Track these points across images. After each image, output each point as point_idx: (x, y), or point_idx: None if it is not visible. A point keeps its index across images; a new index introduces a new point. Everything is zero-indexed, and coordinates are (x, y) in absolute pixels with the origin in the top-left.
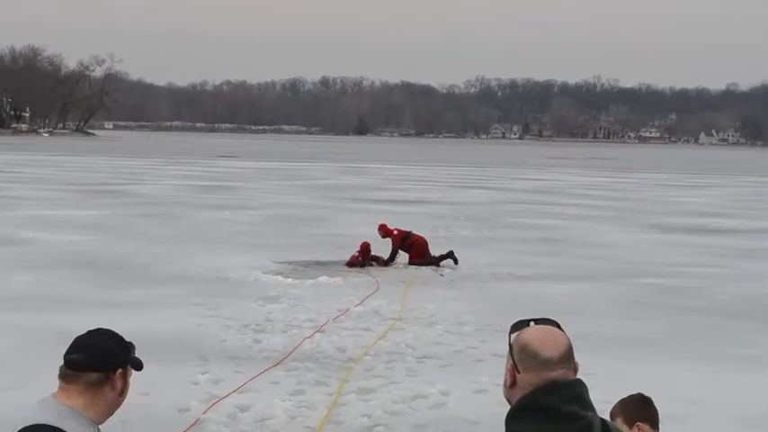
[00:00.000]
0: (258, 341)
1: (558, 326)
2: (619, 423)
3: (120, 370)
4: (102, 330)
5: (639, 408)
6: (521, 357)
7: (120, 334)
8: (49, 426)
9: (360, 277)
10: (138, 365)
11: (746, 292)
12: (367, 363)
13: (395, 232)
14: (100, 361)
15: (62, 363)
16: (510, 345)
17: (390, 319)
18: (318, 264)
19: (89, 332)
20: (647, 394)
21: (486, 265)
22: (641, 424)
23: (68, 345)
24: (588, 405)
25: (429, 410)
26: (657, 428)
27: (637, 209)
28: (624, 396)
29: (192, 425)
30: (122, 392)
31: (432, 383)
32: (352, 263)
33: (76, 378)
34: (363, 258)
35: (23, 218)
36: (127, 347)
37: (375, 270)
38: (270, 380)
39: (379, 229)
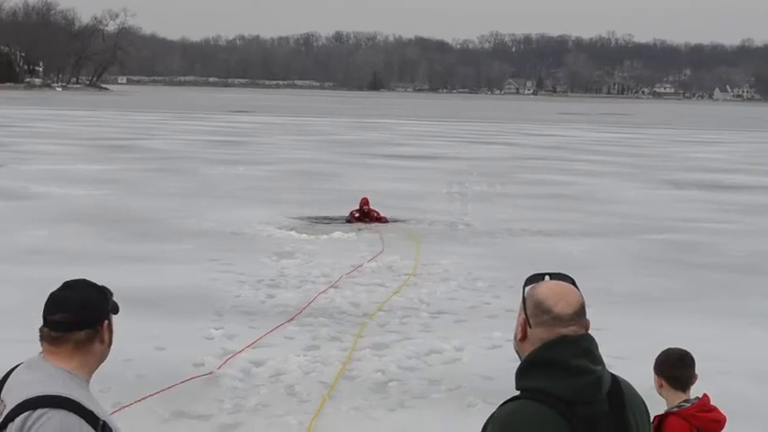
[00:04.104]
0: (272, 296)
1: (573, 282)
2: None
3: (105, 321)
4: (79, 282)
5: (667, 362)
6: (534, 312)
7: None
8: (62, 396)
9: (374, 233)
10: (117, 309)
11: (760, 248)
12: (381, 318)
13: (373, 213)
14: (88, 317)
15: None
16: (524, 298)
17: (404, 274)
18: (332, 219)
19: (67, 287)
20: (690, 353)
21: (500, 221)
22: (659, 378)
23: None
24: (598, 359)
25: (443, 366)
26: (681, 389)
27: (650, 165)
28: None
29: (207, 379)
30: (110, 343)
31: (446, 339)
32: (350, 219)
33: (64, 339)
34: (361, 215)
35: (36, 172)
36: (106, 295)
37: (384, 227)
38: (284, 335)
39: (363, 203)
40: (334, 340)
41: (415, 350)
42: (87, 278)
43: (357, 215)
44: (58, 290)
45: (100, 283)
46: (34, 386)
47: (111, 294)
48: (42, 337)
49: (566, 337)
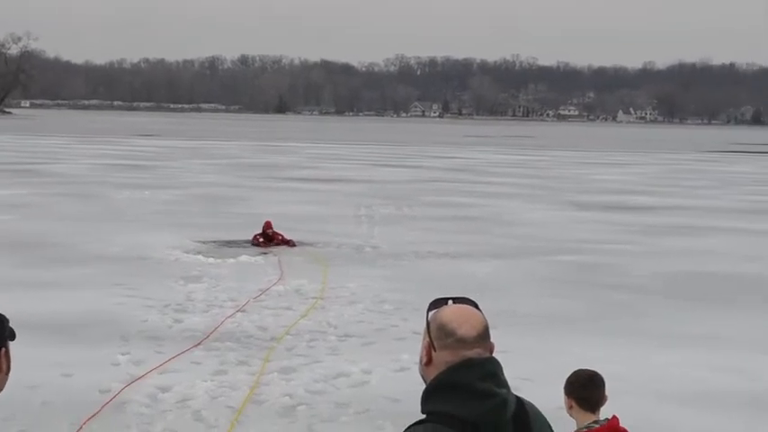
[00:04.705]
0: (179, 321)
1: (476, 305)
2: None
3: (3, 349)
4: None
5: (577, 383)
6: (438, 335)
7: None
8: None
9: (281, 256)
10: (14, 336)
11: (662, 269)
12: (289, 342)
13: (277, 236)
14: None
15: None
16: (427, 322)
17: (312, 297)
18: (239, 243)
19: None
20: (599, 374)
21: (406, 244)
22: (569, 399)
23: None
24: (502, 382)
25: (351, 389)
26: (591, 410)
27: (554, 186)
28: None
29: (113, 406)
30: (8, 371)
31: (354, 362)
32: (256, 243)
33: None
34: (266, 239)
35: None
36: (2, 322)
37: (291, 250)
38: (191, 360)
39: (267, 227)
40: (242, 364)
41: (323, 373)
42: (0, 306)
43: (261, 239)
44: None
45: None
46: None
47: (8, 321)
48: None
49: (470, 360)
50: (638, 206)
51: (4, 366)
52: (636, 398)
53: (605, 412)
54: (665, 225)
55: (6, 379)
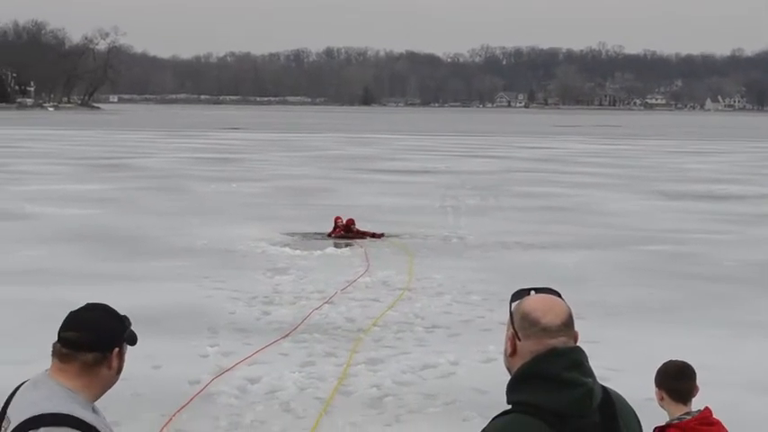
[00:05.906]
0: (267, 313)
1: (559, 295)
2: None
3: (117, 349)
4: (99, 306)
5: (668, 375)
6: (522, 325)
7: (125, 307)
8: (63, 414)
9: (367, 248)
10: (134, 340)
11: (754, 258)
12: (376, 333)
13: (356, 229)
14: (98, 341)
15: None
16: (511, 313)
17: (399, 289)
18: (325, 235)
19: (85, 308)
20: (691, 365)
21: (493, 234)
22: (659, 390)
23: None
24: (588, 372)
25: (438, 380)
26: (682, 401)
27: (643, 176)
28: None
29: (203, 398)
30: (119, 371)
31: (441, 353)
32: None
33: (72, 357)
34: (346, 232)
35: (30, 192)
36: (123, 323)
37: (378, 242)
38: (279, 351)
39: (348, 222)
40: (330, 356)
41: (410, 365)
42: (91, 298)
43: (341, 231)
44: (77, 309)
45: (122, 312)
46: (39, 404)
47: (130, 324)
48: (54, 353)
49: (556, 350)
50: (727, 195)
51: (115, 365)
52: (728, 389)
53: (697, 403)
54: (754, 214)
55: (116, 379)
